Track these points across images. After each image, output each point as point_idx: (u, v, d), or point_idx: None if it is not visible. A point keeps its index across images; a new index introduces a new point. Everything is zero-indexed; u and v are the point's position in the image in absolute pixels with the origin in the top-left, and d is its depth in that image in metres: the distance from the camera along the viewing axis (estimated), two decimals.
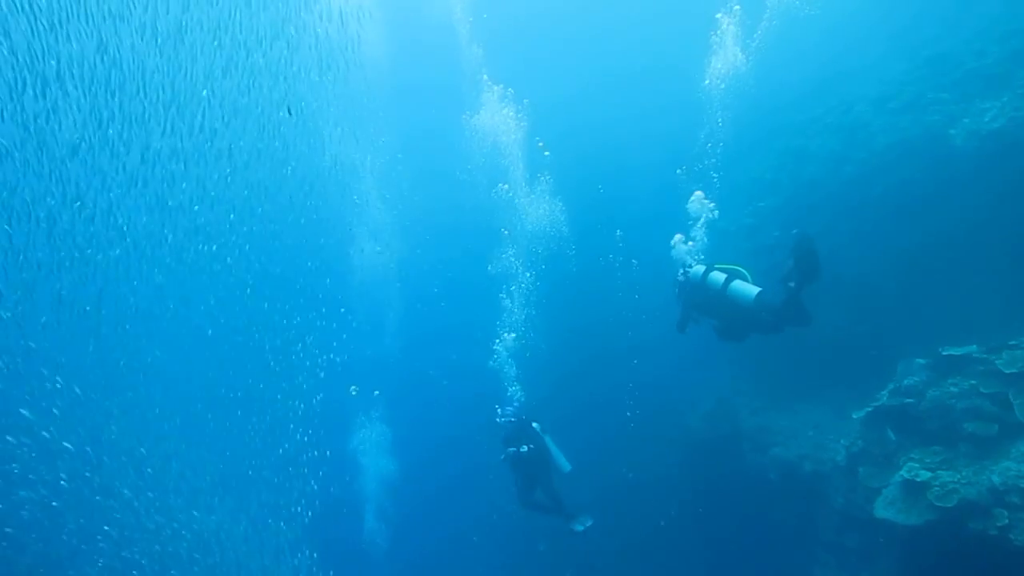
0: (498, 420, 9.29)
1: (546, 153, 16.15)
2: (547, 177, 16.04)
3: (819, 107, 13.58)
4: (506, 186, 15.98)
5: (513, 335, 12.82)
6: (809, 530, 10.31)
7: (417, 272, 20.18)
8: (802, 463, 10.50)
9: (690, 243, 9.18)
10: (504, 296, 14.53)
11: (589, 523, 9.65)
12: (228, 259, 14.89)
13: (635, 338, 14.60)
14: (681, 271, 7.62)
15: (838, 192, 11.74)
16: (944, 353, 8.33)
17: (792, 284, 6.42)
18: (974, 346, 8.18)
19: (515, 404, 9.73)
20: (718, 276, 7.08)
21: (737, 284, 6.90)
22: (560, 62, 20.51)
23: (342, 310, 17.93)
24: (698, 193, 9.82)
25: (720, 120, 13.71)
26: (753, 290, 6.78)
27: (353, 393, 16.64)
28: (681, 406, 14.04)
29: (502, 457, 9.03)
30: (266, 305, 16.01)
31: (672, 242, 8.99)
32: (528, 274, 14.80)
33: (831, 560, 9.82)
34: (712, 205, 9.60)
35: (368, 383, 17.18)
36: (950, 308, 9.62)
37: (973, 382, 7.82)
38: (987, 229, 9.62)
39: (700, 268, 7.35)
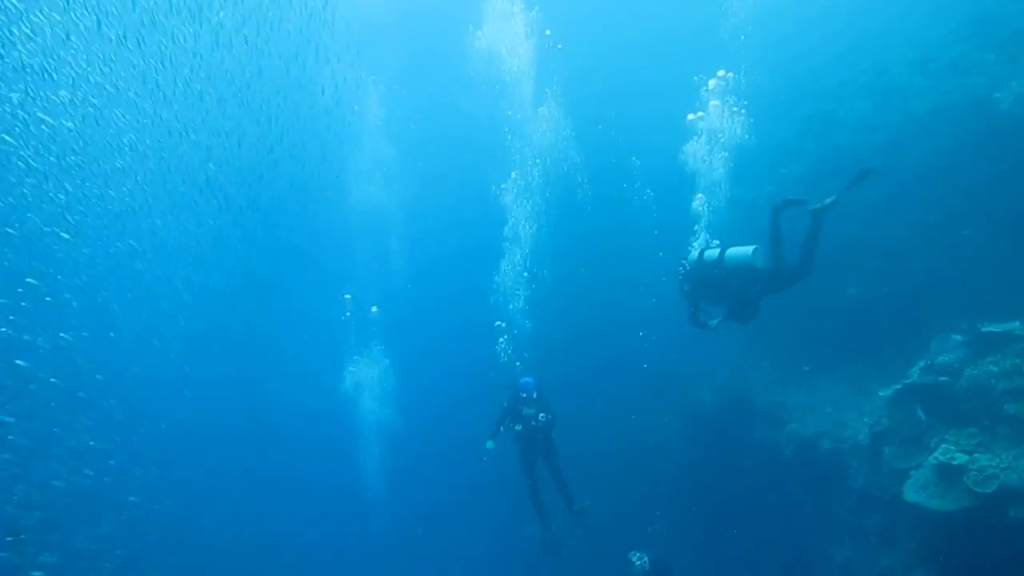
0: (522, 395, 8.86)
1: (559, 47, 15.43)
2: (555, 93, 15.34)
3: (850, 70, 12.82)
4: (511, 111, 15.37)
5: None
6: (825, 510, 9.95)
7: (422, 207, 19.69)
8: (820, 441, 10.07)
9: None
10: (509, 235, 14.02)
11: (587, 501, 9.35)
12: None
13: (645, 303, 14.00)
14: (681, 264, 7.39)
15: (868, 159, 11.06)
16: (984, 330, 7.83)
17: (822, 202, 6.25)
18: (1017, 323, 7.68)
19: (533, 375, 9.27)
20: (712, 251, 6.91)
21: (733, 250, 6.71)
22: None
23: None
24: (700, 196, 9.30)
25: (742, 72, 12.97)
26: (748, 248, 6.57)
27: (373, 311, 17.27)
28: (692, 378, 13.60)
29: (518, 428, 8.60)
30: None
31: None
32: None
33: (847, 541, 9.47)
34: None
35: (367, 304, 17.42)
36: (989, 283, 9.09)
37: (1016, 361, 7.33)
38: None
39: (695, 253, 7.17)
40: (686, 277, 7.22)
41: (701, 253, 6.98)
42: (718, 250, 6.79)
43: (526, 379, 9.08)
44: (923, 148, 10.37)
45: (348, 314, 17.88)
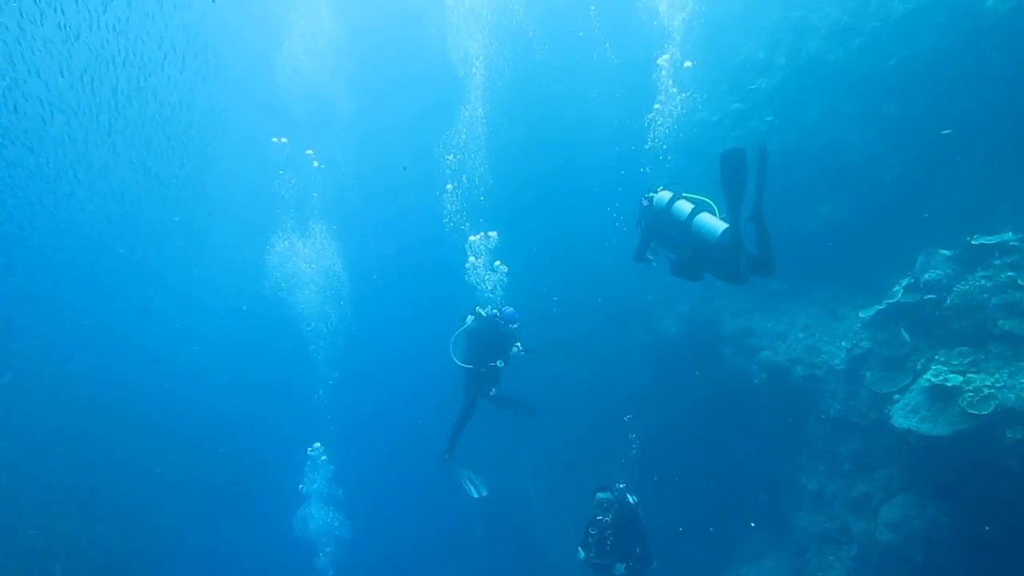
0: (512, 327, 7.93)
1: None
2: None
3: None
4: None
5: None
6: (797, 438, 9.60)
7: None
8: (793, 368, 9.63)
9: None
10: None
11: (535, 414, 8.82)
12: None
13: (602, 228, 13.15)
14: (645, 196, 6.60)
15: (844, 69, 10.35)
16: (974, 242, 7.29)
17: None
18: (1009, 233, 7.17)
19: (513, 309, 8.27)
20: (684, 206, 6.01)
21: (703, 217, 5.88)
22: None
23: None
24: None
25: None
26: (720, 226, 5.74)
27: None
28: (655, 307, 13.00)
29: (500, 364, 7.73)
30: None
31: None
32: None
33: (821, 468, 9.15)
34: None
35: None
36: (975, 193, 8.53)
37: (1010, 274, 6.84)
38: (1020, 105, 8.43)
39: (666, 195, 6.25)
40: (645, 217, 6.52)
41: (671, 203, 6.15)
42: (689, 209, 5.99)
43: (509, 309, 8.10)
44: (901, 53, 9.62)
45: None
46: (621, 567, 6.71)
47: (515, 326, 7.96)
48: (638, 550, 6.74)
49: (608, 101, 14.83)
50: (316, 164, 16.95)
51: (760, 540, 10.46)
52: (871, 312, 8.14)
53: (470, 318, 8.00)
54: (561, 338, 12.86)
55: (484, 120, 13.99)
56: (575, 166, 14.87)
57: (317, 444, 13.40)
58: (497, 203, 13.14)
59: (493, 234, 10.06)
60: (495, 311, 7.96)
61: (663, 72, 11.53)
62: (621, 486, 6.77)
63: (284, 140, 16.55)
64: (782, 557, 9.86)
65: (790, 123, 10.98)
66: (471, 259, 10.05)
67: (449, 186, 12.77)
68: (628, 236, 7.39)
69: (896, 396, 7.42)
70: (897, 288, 7.97)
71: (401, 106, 18.34)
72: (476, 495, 8.28)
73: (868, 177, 10.03)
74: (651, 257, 6.66)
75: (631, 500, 6.85)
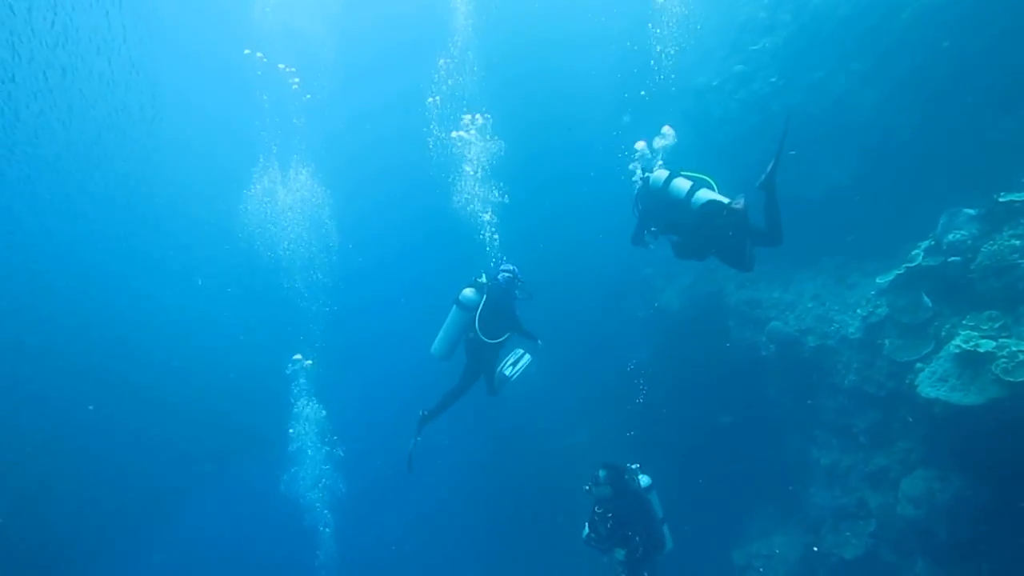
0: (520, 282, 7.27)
1: None
2: None
3: None
4: None
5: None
6: (808, 410, 9.22)
7: None
8: (804, 338, 9.21)
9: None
10: None
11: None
12: None
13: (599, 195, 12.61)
14: (639, 175, 6.44)
15: (854, 24, 9.82)
16: (1001, 200, 6.85)
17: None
18: None
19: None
20: (682, 184, 5.80)
21: (704, 194, 5.68)
22: None
23: None
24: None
25: None
26: (721, 201, 5.57)
27: None
28: (654, 281, 12.55)
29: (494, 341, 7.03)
30: None
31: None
32: None
33: (834, 442, 8.79)
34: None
35: None
36: (995, 154, 8.06)
37: None
38: None
39: (663, 173, 6.01)
40: (642, 195, 6.24)
41: (668, 180, 5.90)
42: (688, 186, 5.75)
43: (508, 265, 7.34)
44: (916, 3, 9.10)
45: None
46: (621, 552, 6.19)
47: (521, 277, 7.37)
48: (637, 538, 6.05)
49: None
50: (295, 83, 15.12)
51: (769, 516, 10.16)
52: (889, 277, 7.71)
53: (469, 291, 7.04)
54: (555, 313, 12.42)
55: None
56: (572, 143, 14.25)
57: (297, 356, 12.78)
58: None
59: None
60: (505, 273, 7.18)
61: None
62: (634, 467, 6.23)
63: (260, 55, 14.61)
64: (793, 533, 9.56)
65: (796, 83, 10.50)
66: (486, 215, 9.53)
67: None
68: (624, 201, 7.00)
69: (919, 365, 7.02)
70: (916, 251, 7.53)
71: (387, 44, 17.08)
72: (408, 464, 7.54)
73: (878, 139, 9.58)
74: (649, 240, 6.37)
75: (642, 483, 6.25)
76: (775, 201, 5.49)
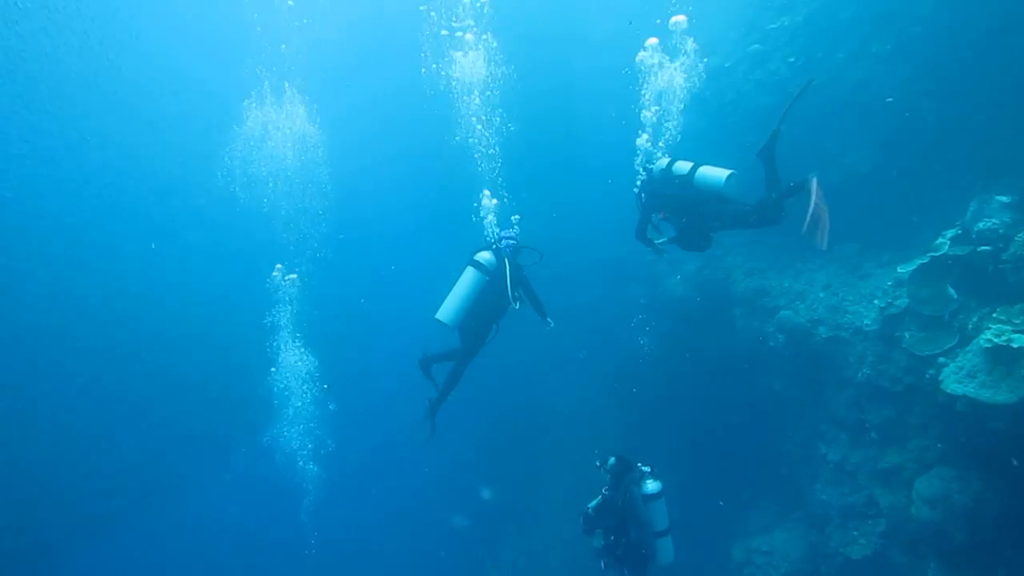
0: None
1: None
2: None
3: None
4: None
5: None
6: (817, 404, 8.87)
7: None
8: (815, 329, 8.84)
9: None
10: None
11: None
12: None
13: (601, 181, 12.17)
14: (640, 173, 6.47)
15: (878, 2, 9.36)
16: None
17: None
18: None
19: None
20: (683, 164, 5.90)
21: (705, 169, 5.73)
22: None
23: None
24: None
25: None
26: (723, 173, 5.59)
27: None
28: (658, 267, 12.13)
29: (517, 306, 6.51)
30: None
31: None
32: None
33: (843, 437, 8.44)
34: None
35: None
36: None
37: None
38: None
39: (663, 161, 6.13)
40: (646, 186, 6.28)
41: (670, 164, 5.99)
42: (690, 165, 5.82)
43: (510, 231, 6.91)
44: None
45: None
46: (600, 542, 5.82)
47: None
48: (612, 538, 5.67)
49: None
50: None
51: (771, 511, 9.86)
52: (911, 267, 7.33)
53: (487, 254, 6.45)
54: (556, 300, 11.99)
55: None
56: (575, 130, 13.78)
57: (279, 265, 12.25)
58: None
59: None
60: (508, 240, 6.71)
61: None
62: (646, 468, 5.78)
63: None
64: (796, 529, 9.25)
65: (816, 64, 10.02)
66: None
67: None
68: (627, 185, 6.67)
69: (941, 359, 6.66)
70: (942, 240, 7.15)
71: None
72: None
73: (900, 124, 9.15)
74: (651, 236, 6.39)
75: (647, 489, 5.73)
76: (774, 171, 5.38)
